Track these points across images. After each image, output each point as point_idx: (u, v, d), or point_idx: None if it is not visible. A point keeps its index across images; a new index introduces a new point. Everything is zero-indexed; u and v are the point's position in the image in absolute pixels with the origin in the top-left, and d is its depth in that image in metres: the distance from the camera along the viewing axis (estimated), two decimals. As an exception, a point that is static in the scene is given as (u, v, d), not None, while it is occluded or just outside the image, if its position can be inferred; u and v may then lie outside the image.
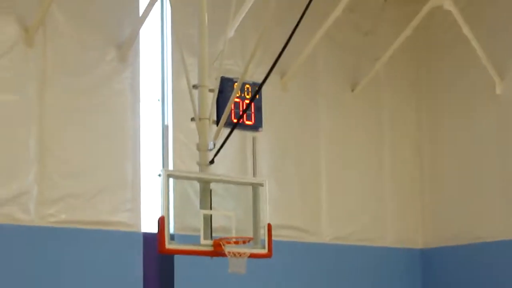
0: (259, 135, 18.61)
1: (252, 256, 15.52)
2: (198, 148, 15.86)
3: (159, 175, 15.16)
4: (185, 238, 16.13)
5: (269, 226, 16.02)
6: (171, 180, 15.33)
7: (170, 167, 18.90)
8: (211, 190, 15.69)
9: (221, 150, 15.95)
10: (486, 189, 23.21)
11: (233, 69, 20.33)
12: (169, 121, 20.17)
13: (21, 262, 18.14)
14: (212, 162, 15.90)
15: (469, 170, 23.63)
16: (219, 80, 16.65)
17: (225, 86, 19.29)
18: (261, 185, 16.10)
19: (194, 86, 16.04)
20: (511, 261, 22.46)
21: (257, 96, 17.99)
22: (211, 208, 15.57)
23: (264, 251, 15.95)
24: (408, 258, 24.06)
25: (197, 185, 15.94)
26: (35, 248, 18.34)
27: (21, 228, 18.16)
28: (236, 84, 18.24)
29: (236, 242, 15.34)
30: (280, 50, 15.50)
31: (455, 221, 23.73)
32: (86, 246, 18.92)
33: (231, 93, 17.03)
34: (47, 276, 18.36)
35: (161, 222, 14.85)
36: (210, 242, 15.29)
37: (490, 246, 22.86)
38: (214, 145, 15.81)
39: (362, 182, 23.57)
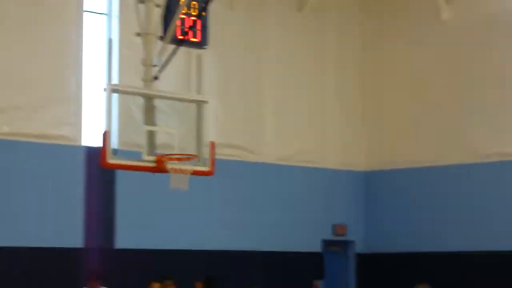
0: (205, 53, 18.52)
1: (194, 173, 15.62)
2: (143, 63, 15.80)
3: (104, 89, 15.10)
4: (128, 154, 16.15)
5: (212, 144, 16.09)
6: (115, 95, 15.34)
7: (115, 82, 18.89)
8: (155, 107, 15.71)
9: (166, 67, 15.93)
10: (427, 113, 23.49)
11: (180, -15, 20.25)
12: (114, 35, 20.06)
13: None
14: (156, 78, 15.86)
15: (411, 93, 23.88)
16: (166, -5, 16.54)
17: (172, 2, 19.08)
18: (205, 102, 16.11)
19: (141, 1, 15.92)
20: (448, 185, 22.95)
21: (203, 13, 17.85)
22: (154, 125, 15.62)
23: (206, 168, 16.04)
24: (351, 180, 24.38)
25: (141, 101, 15.91)
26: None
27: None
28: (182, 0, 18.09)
29: (179, 159, 15.40)
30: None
31: (398, 145, 24.06)
32: (28, 159, 18.93)
33: (178, 9, 16.90)
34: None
35: (104, 136, 14.86)
36: (152, 158, 15.34)
37: (428, 170, 23.26)
38: (159, 61, 15.78)
39: (306, 103, 23.69)
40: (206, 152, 16.09)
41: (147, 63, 15.77)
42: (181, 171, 15.37)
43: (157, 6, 16.01)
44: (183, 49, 17.62)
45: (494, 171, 22.19)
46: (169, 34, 16.21)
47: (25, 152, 18.87)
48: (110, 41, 16.20)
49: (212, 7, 18.40)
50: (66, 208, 19.23)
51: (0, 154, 18.55)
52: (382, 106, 24.51)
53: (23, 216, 18.66)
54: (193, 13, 18.30)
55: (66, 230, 19.14)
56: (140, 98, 15.91)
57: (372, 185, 24.44)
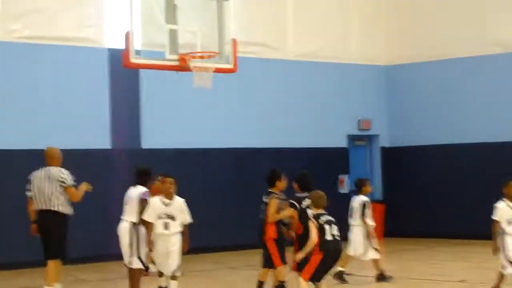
0: (224, -50, 18.52)
1: (217, 70, 15.72)
2: (163, -38, 15.90)
3: (125, -11, 15.26)
4: (151, 54, 16.34)
5: (234, 41, 16.24)
6: (136, -5, 15.51)
7: (135, -19, 19.02)
8: (176, 5, 15.82)
9: (186, -35, 16.01)
10: (450, 8, 23.42)
11: None
12: None
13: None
14: (176, -24, 16.01)
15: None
16: None
17: None
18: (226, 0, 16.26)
19: None
20: (469, 76, 22.98)
21: None
22: (176, 24, 15.77)
23: (229, 66, 16.15)
24: (373, 74, 24.44)
25: (162, 0, 16.11)
26: (1, 63, 18.60)
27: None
28: None
29: (201, 57, 15.52)
30: None
31: (420, 38, 24.00)
32: (51, 63, 19.17)
33: None
34: (12, 92, 18.71)
35: (127, 37, 15.06)
36: (175, 56, 15.48)
37: (449, 62, 23.25)
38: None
39: (327, -1, 23.72)
40: (228, 49, 16.29)
41: (167, -38, 15.85)
42: (204, 69, 15.56)
43: None
44: None
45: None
46: None
47: (48, 55, 19.12)
48: None
49: None
50: (92, 111, 19.58)
51: (23, 58, 18.83)
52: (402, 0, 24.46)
53: (49, 119, 19.03)
54: None
55: (94, 132, 19.54)
56: (161, -4, 16.09)
57: (395, 79, 24.50)
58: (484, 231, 21.38)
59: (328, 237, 11.89)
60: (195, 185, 19.84)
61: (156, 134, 20.35)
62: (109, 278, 16.97)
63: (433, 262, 17.75)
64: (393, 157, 24.24)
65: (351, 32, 24.08)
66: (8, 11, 18.65)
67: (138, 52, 15.78)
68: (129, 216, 13.41)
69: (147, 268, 13.38)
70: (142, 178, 13.66)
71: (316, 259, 11.74)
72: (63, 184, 13.63)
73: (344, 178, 23.72)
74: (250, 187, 21.33)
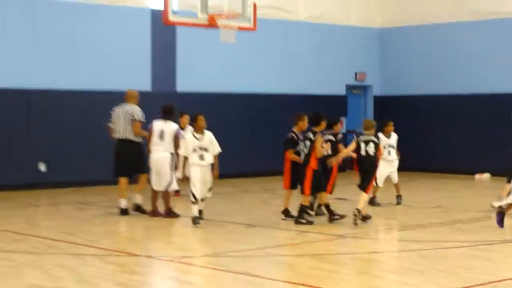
0: None
1: (239, 28, 15.79)
2: None
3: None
4: (185, 13, 16.26)
5: (255, 5, 16.19)
6: (174, -36, 15.35)
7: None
8: (208, -27, 15.73)
9: None
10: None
11: None
12: None
13: (52, 33, 18.37)
14: None
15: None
16: None
17: None
18: (249, -31, 16.10)
19: None
20: (456, 42, 22.68)
21: None
22: (207, -12, 15.67)
23: (250, 25, 16.21)
24: (368, 35, 24.16)
25: (196, -32, 15.96)
26: (62, 20, 18.46)
27: (50, 2, 18.25)
28: None
29: (227, 17, 15.55)
30: None
31: (409, 5, 23.73)
32: (104, 20, 19.08)
33: None
34: (72, 44, 18.62)
35: (165, -1, 15.01)
36: (206, 16, 15.48)
37: (439, 27, 22.98)
38: None
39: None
40: (250, 11, 16.19)
41: None
42: (229, 27, 15.53)
43: None
44: None
45: (491, 27, 21.93)
46: None
47: (101, 14, 19.00)
48: None
49: None
50: (136, 60, 19.49)
51: (80, 16, 18.73)
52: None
53: (102, 65, 18.97)
54: None
55: (138, 77, 19.42)
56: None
57: (387, 40, 24.21)
58: (459, 166, 21.60)
59: (362, 152, 12.72)
60: (219, 121, 19.77)
61: (189, 80, 20.23)
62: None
63: (415, 191, 17.71)
64: (384, 104, 24.11)
65: (351, -1, 23.79)
66: (69, -25, 18.50)
67: (175, 12, 15.73)
68: (168, 147, 13.36)
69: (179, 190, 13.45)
70: (170, 113, 13.60)
71: (356, 171, 13.03)
72: (132, 118, 13.88)
73: (343, 120, 23.60)
74: (265, 125, 21.39)
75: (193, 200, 12.52)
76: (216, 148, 12.69)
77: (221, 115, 20.40)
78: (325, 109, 22.46)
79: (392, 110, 23.20)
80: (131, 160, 13.91)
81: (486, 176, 21.11)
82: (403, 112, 22.96)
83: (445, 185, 19.61)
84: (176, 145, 13.32)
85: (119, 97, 19.03)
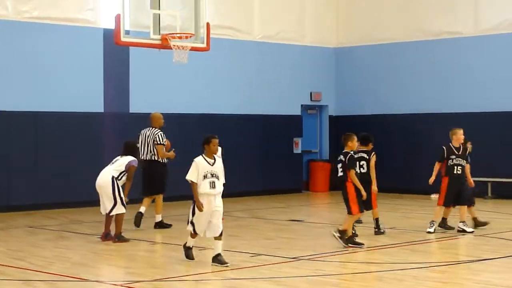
0: None
1: (192, 49, 15.84)
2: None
3: (116, -22, 15.10)
4: (138, 34, 16.28)
5: (208, 24, 16.24)
6: (126, -17, 15.35)
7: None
8: (159, -8, 15.76)
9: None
10: (386, 1, 23.43)
11: None
12: None
13: (2, 52, 18.20)
14: (160, -33, 15.89)
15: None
16: None
17: None
18: (202, -11, 16.14)
19: None
20: (405, 59, 23.04)
21: None
22: (159, 8, 15.70)
23: (203, 45, 16.26)
24: (324, 55, 24.34)
25: (148, -12, 15.98)
26: (12, 39, 18.36)
27: (0, 22, 18.16)
28: None
29: (180, 37, 15.60)
30: None
31: (364, 25, 23.99)
32: (55, 39, 18.99)
33: None
34: (22, 64, 18.49)
35: (117, 19, 14.98)
36: (158, 36, 15.51)
37: (390, 46, 23.29)
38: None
39: (288, -10, 23.55)
40: (203, 31, 16.24)
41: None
42: (182, 48, 15.57)
43: None
44: None
45: (443, 46, 22.30)
46: None
47: (53, 33, 18.92)
48: None
49: None
50: (88, 80, 19.39)
51: (31, 35, 18.62)
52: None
53: (53, 87, 18.84)
54: None
55: (89, 98, 19.36)
56: (147, -15, 15.94)
57: (342, 59, 24.44)
58: (415, 186, 21.77)
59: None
60: (173, 143, 19.74)
61: (142, 101, 20.16)
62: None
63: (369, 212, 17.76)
64: (339, 123, 24.27)
65: (305, 18, 23.92)
66: (19, -6, 18.40)
67: (127, 32, 15.74)
68: (112, 172, 13.31)
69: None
70: (132, 151, 13.62)
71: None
72: (155, 142, 14.88)
73: (298, 140, 23.76)
74: (222, 147, 21.34)
75: (192, 232, 11.10)
76: (223, 177, 11.23)
77: (175, 136, 20.29)
78: (280, 129, 22.98)
79: (348, 130, 23.25)
80: (156, 179, 14.98)
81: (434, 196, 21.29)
82: (358, 131, 23.03)
83: (401, 205, 19.76)
84: (129, 175, 13.35)
85: (70, 119, 19.07)
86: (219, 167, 11.08)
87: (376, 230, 14.05)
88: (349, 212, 12.59)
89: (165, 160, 15.13)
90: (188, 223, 11.06)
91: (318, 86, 24.20)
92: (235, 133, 21.38)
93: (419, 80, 22.76)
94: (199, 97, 21.21)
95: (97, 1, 19.60)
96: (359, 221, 15.08)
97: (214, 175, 10.95)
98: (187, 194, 11.69)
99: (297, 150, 23.73)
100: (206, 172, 10.91)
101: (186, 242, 11.34)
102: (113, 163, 13.49)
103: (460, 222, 14.22)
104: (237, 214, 17.13)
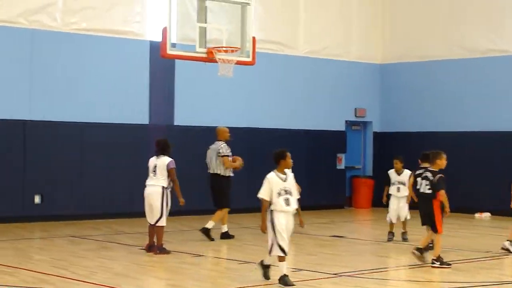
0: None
1: (238, 63, 15.86)
2: (197, -30, 15.86)
3: (164, -9, 15.22)
4: (184, 47, 16.36)
5: (254, 39, 16.27)
6: (174, -4, 15.48)
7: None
8: (206, 7, 15.83)
9: (217, -26, 15.98)
10: (436, 15, 23.22)
11: None
12: None
13: (50, 63, 18.45)
14: (208, -17, 15.98)
15: (423, 1, 23.55)
16: None
17: None
18: (248, 4, 16.17)
19: None
20: (450, 76, 22.85)
21: None
22: (206, 22, 15.77)
23: (249, 59, 16.27)
24: (369, 71, 24.26)
25: (195, 2, 16.07)
26: (60, 51, 18.58)
27: (49, 33, 18.39)
28: None
29: (226, 51, 15.62)
30: None
31: (409, 42, 23.87)
32: (103, 51, 19.18)
33: None
34: (69, 75, 18.70)
35: (164, 32, 15.07)
36: (204, 50, 15.56)
37: (439, 64, 23.10)
38: (211, -32, 15.82)
39: (334, 5, 23.41)
40: (249, 46, 16.27)
41: (200, -30, 15.81)
42: (228, 61, 15.59)
43: None
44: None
45: (490, 64, 22.07)
46: None
47: (100, 44, 19.10)
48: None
49: None
50: (134, 92, 19.54)
51: (79, 46, 18.83)
52: (398, 8, 24.21)
53: (99, 98, 19.00)
54: None
55: (135, 110, 19.51)
56: (194, 0, 16.04)
57: (387, 76, 24.33)
58: (459, 204, 21.52)
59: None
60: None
61: (186, 113, 20.26)
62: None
63: (413, 229, 17.59)
64: (383, 140, 24.15)
65: (352, 34, 23.90)
66: (69, 6, 18.66)
67: (173, 45, 15.82)
68: (160, 182, 13.34)
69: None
70: (163, 149, 13.59)
71: None
72: (219, 154, 15.31)
73: (342, 156, 23.68)
74: (263, 161, 21.33)
75: (282, 254, 10.33)
76: (296, 192, 10.64)
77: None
78: (324, 145, 22.91)
79: (392, 147, 23.21)
80: (217, 193, 15.42)
81: (486, 215, 21.05)
82: (402, 148, 22.82)
83: (444, 224, 19.50)
84: (173, 179, 13.33)
85: (116, 130, 19.22)
86: (292, 183, 10.53)
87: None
88: (436, 231, 12.44)
89: (229, 174, 15.50)
90: (271, 249, 10.32)
91: (362, 102, 24.11)
92: (279, 148, 21.30)
93: (464, 97, 22.54)
94: (243, 110, 21.25)
95: (144, 14, 19.78)
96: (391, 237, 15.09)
97: (288, 192, 10.38)
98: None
99: (341, 166, 23.65)
100: (280, 189, 10.34)
101: (262, 260, 10.79)
102: (154, 170, 13.47)
103: (507, 240, 14.01)
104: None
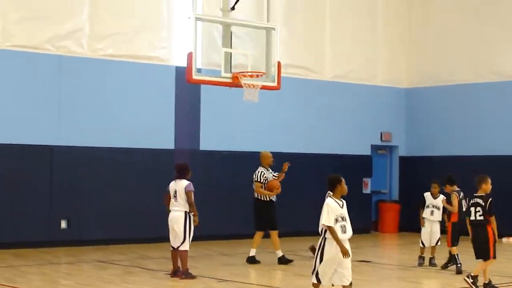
0: (274, -13, 18.51)
1: (263, 88, 15.81)
2: (222, -5, 15.92)
3: (189, 18, 15.26)
4: (209, 72, 16.39)
5: (279, 63, 16.24)
6: (199, 23, 15.50)
7: (199, 12, 19.05)
8: (231, 32, 15.86)
9: (241, -1, 16.04)
10: (460, 41, 23.19)
11: None
12: (199, -27, 20.13)
13: (77, 88, 18.57)
14: (233, 8, 16.01)
15: (449, 25, 23.52)
16: None
17: None
18: (273, 29, 16.19)
19: None
20: (477, 100, 22.74)
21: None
22: (231, 47, 15.79)
23: (274, 84, 16.22)
24: (395, 95, 24.19)
25: (220, 27, 16.12)
26: (88, 76, 18.71)
27: (76, 59, 18.52)
28: None
29: (251, 76, 15.59)
30: None
31: (435, 66, 23.79)
32: (129, 76, 19.27)
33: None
34: (96, 100, 18.80)
35: (189, 57, 15.08)
36: (229, 75, 15.55)
37: (465, 87, 22.97)
38: (236, -6, 15.87)
39: (359, 30, 23.44)
40: (274, 70, 16.25)
41: (225, -4, 15.86)
42: (253, 86, 15.58)
43: None
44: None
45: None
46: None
47: (127, 70, 19.18)
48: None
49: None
50: (160, 117, 19.60)
51: (106, 72, 18.93)
52: (424, 31, 24.16)
53: (125, 123, 19.09)
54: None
55: (160, 135, 19.56)
56: (220, 25, 16.08)
57: (413, 100, 24.23)
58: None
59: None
60: (242, 182, 19.89)
61: (212, 138, 20.29)
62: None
63: (441, 255, 17.43)
64: (409, 164, 24.03)
65: (377, 59, 23.87)
66: (95, 32, 18.77)
67: (199, 70, 15.87)
68: (182, 206, 13.33)
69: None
70: (182, 172, 13.58)
71: None
72: (253, 179, 15.71)
73: (368, 180, 23.56)
74: (290, 186, 21.28)
75: (315, 281, 10.05)
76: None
77: (245, 174, 20.35)
78: (349, 169, 22.74)
79: (418, 171, 23.10)
80: (256, 216, 15.70)
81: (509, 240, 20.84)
82: (429, 173, 22.73)
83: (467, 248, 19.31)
84: (189, 202, 13.28)
85: (141, 155, 19.28)
86: (346, 209, 10.22)
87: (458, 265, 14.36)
88: (488, 257, 12.23)
89: (268, 198, 15.67)
90: (313, 273, 10.01)
91: (388, 126, 24.02)
92: (304, 172, 21.27)
93: (490, 121, 22.39)
94: (268, 135, 21.20)
95: (170, 39, 19.87)
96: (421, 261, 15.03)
97: (344, 219, 10.05)
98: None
99: (367, 190, 23.52)
100: (337, 215, 10.01)
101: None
102: (175, 196, 13.46)
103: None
104: (304, 254, 16.97)
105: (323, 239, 9.99)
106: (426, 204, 15.43)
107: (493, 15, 22.51)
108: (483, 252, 12.26)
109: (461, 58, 23.09)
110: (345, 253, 9.81)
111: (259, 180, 15.62)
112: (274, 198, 15.79)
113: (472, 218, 12.35)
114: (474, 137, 22.67)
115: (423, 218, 15.44)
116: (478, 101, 22.72)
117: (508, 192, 21.56)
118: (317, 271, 9.93)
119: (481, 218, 12.26)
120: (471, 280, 12.17)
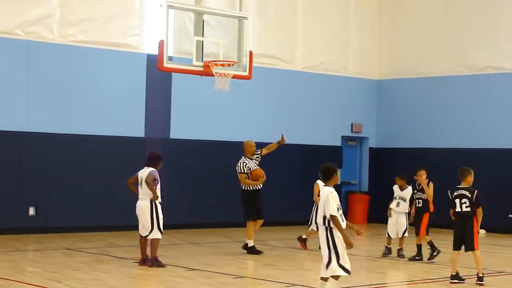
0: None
1: (235, 77, 15.79)
2: (194, -16, 15.83)
3: (161, 5, 15.18)
4: (181, 60, 16.33)
5: (251, 53, 16.21)
6: (171, 10, 15.41)
7: None
8: (203, 21, 15.80)
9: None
10: (429, 35, 23.27)
11: None
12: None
13: (46, 74, 18.40)
14: (205, -4, 15.98)
15: (420, 18, 23.59)
16: None
17: None
18: (246, 18, 16.15)
19: None
20: (446, 92, 22.87)
21: None
22: (203, 36, 15.74)
23: (245, 73, 16.20)
24: (365, 86, 24.25)
25: (192, 15, 16.05)
26: (57, 63, 18.55)
27: (46, 45, 18.35)
28: None
29: (223, 65, 15.60)
30: None
31: (406, 58, 23.87)
32: (99, 63, 19.14)
33: None
34: (65, 87, 18.64)
35: (161, 45, 15.01)
36: (201, 63, 15.51)
37: (431, 80, 23.15)
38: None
39: (331, 21, 23.45)
40: (245, 60, 16.22)
41: (197, -16, 15.77)
42: (224, 75, 15.56)
43: None
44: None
45: (487, 81, 22.08)
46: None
47: (97, 57, 19.06)
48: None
49: None
50: (130, 105, 19.49)
51: (76, 59, 18.80)
52: (395, 24, 24.24)
53: (95, 110, 18.96)
54: None
55: (130, 123, 19.46)
56: (192, 13, 16.00)
57: (384, 91, 24.31)
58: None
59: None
60: (213, 171, 19.91)
61: (182, 127, 20.21)
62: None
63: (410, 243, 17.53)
64: (379, 156, 24.14)
65: (349, 50, 23.89)
66: (66, 18, 18.60)
67: (170, 58, 15.77)
68: (147, 195, 13.26)
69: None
70: (152, 161, 13.51)
71: None
72: (237, 171, 15.50)
73: (338, 171, 23.55)
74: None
75: (343, 273, 9.67)
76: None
77: (214, 163, 20.38)
78: (320, 160, 22.67)
79: (388, 162, 23.20)
80: (244, 206, 15.61)
81: (482, 232, 20.96)
82: (399, 164, 22.88)
83: (447, 240, 19.43)
84: (151, 190, 13.18)
85: (111, 142, 19.16)
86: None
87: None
88: (473, 248, 12.12)
89: (253, 188, 15.55)
90: (337, 266, 9.59)
91: (359, 118, 24.08)
92: (274, 162, 21.25)
93: (460, 114, 22.54)
94: (239, 124, 21.16)
95: (142, 27, 19.74)
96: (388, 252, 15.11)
97: (340, 207, 9.75)
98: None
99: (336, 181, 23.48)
100: (338, 204, 9.70)
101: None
102: (141, 183, 13.41)
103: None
104: (274, 244, 16.99)
105: (328, 229, 9.66)
106: (394, 196, 15.54)
107: (464, 8, 22.62)
108: (470, 243, 12.18)
109: (432, 50, 23.21)
110: (349, 244, 9.55)
111: (242, 171, 15.52)
112: (259, 187, 15.72)
113: (458, 209, 12.29)
114: (443, 130, 22.81)
115: (390, 209, 15.54)
116: (449, 93, 22.86)
117: (477, 184, 21.67)
118: (340, 263, 9.54)
119: (468, 209, 12.23)
120: (480, 282, 12.12)
